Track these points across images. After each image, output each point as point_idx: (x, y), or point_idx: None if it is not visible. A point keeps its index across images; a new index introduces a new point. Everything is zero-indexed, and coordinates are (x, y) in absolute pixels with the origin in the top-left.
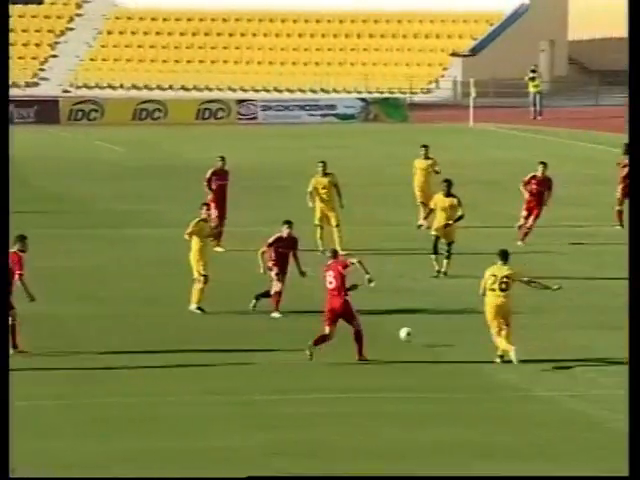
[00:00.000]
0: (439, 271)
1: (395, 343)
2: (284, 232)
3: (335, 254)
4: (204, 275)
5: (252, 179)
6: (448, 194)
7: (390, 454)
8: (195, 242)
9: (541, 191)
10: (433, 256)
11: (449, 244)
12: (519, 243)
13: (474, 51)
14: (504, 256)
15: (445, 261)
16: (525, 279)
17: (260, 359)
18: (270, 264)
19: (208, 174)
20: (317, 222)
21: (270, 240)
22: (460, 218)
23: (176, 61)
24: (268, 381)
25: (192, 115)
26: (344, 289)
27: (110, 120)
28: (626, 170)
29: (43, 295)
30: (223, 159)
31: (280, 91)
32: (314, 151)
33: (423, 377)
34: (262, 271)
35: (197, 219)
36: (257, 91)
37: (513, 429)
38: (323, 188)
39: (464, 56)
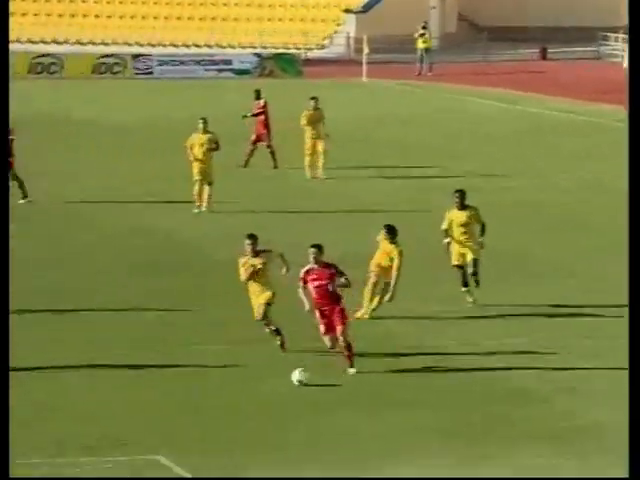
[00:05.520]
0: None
1: None
2: None
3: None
4: None
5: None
6: (462, 206)
7: None
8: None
9: None
10: (464, 288)
11: (474, 262)
12: None
13: (366, 8)
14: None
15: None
16: None
17: None
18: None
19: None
20: (196, 177)
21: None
22: (484, 230)
23: (72, 15)
24: None
25: (89, 70)
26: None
27: None
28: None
29: None
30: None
31: (176, 46)
32: (212, 107)
33: None
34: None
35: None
36: (153, 46)
37: None
38: (201, 145)
39: (357, 13)
